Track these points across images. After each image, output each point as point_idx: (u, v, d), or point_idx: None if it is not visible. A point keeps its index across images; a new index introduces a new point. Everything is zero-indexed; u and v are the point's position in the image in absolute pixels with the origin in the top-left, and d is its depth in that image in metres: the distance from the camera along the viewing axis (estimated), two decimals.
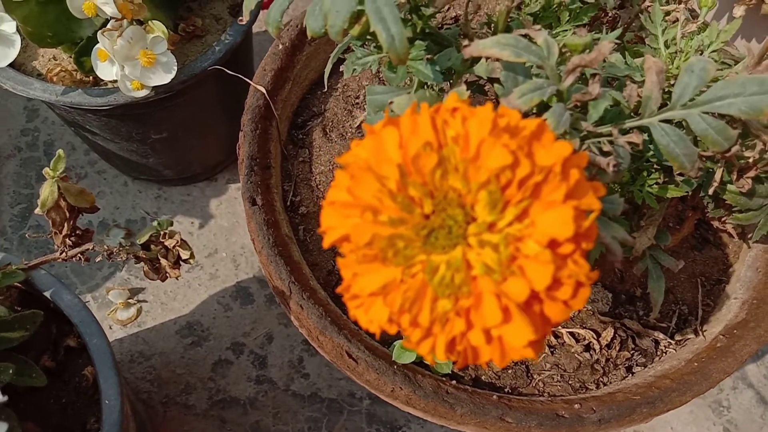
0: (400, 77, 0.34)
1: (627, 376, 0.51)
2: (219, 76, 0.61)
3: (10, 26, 0.54)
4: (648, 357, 0.52)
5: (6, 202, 0.81)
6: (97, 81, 0.62)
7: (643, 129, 0.33)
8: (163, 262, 0.52)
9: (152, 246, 0.52)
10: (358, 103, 0.61)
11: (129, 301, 0.65)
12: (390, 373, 0.46)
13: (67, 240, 0.51)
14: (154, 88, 0.58)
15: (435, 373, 0.49)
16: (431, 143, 0.25)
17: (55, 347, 0.52)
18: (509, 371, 0.51)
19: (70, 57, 0.61)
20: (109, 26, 0.54)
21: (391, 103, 0.35)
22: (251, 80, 0.56)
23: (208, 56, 0.61)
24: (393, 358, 0.48)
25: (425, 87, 0.36)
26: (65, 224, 0.50)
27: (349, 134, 0.59)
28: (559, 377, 0.51)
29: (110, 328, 0.73)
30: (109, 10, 0.52)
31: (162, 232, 0.51)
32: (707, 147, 0.32)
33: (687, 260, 0.55)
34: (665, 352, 0.52)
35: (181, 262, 0.53)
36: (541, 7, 0.40)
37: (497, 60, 0.34)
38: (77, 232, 0.51)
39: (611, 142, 0.32)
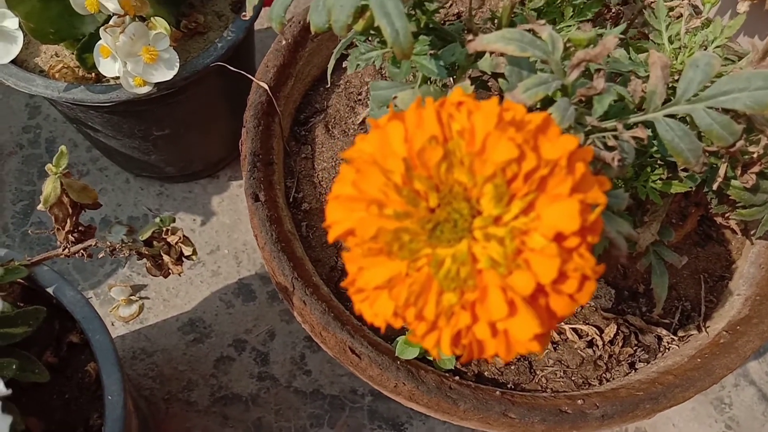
0: (404, 72, 0.34)
1: (630, 372, 0.51)
2: (221, 72, 0.61)
3: (12, 22, 0.54)
4: (651, 353, 0.52)
5: (8, 199, 0.81)
6: (100, 77, 0.61)
7: (647, 124, 0.33)
8: (166, 258, 0.52)
9: (155, 242, 0.52)
10: (360, 100, 0.61)
11: (131, 297, 0.65)
12: (393, 369, 0.46)
13: (69, 236, 0.51)
14: (157, 84, 0.58)
15: (438, 369, 0.49)
16: (437, 137, 0.25)
17: (57, 343, 0.52)
18: (512, 367, 0.51)
19: (73, 53, 0.61)
20: (111, 22, 0.54)
21: (394, 98, 0.35)
22: (253, 77, 0.56)
23: (210, 53, 0.61)
24: (396, 354, 0.48)
25: (429, 82, 0.36)
26: (68, 220, 0.50)
27: (352, 131, 0.59)
28: (562, 373, 0.51)
29: (112, 324, 0.73)
30: (112, 6, 0.52)
31: (164, 229, 0.51)
32: (711, 142, 0.32)
33: (690, 257, 0.55)
34: (668, 348, 0.52)
35: (183, 259, 0.53)
36: (544, 3, 0.40)
37: (501, 55, 0.34)
38: (80, 228, 0.51)
39: (616, 137, 0.32)
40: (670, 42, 0.40)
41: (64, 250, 0.50)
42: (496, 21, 0.39)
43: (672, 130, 0.31)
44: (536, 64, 0.33)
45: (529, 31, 0.31)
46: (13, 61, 0.59)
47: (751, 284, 0.53)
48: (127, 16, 0.54)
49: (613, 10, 0.49)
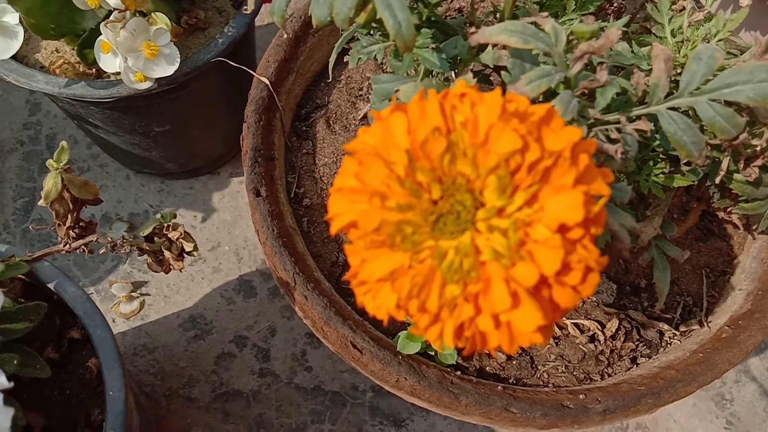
0: (406, 65, 0.34)
1: (632, 367, 0.51)
2: (222, 68, 0.61)
3: (13, 18, 0.54)
4: (653, 348, 0.52)
5: (8, 195, 0.81)
6: (100, 73, 0.61)
7: (650, 118, 0.33)
8: (167, 254, 0.52)
9: (156, 238, 0.52)
10: (361, 95, 0.61)
11: (132, 294, 0.65)
12: (395, 364, 0.46)
13: (70, 232, 0.51)
14: (157, 80, 0.58)
15: (440, 364, 0.49)
16: (440, 128, 0.25)
17: (59, 339, 0.52)
18: (514, 362, 0.51)
19: (73, 49, 0.61)
20: (112, 18, 0.54)
21: (396, 91, 0.35)
22: (254, 72, 0.56)
23: (211, 48, 0.61)
24: (398, 349, 0.48)
25: (431, 76, 0.36)
26: (69, 216, 0.50)
27: (353, 126, 0.59)
28: (563, 368, 0.51)
29: (113, 321, 0.73)
30: (112, 1, 0.52)
31: (165, 224, 0.51)
32: (714, 135, 0.32)
33: (692, 252, 0.55)
34: (670, 343, 0.52)
35: (184, 254, 0.53)
36: None
37: (504, 48, 0.34)
38: (81, 224, 0.51)
39: (619, 130, 0.32)
40: (673, 35, 0.40)
41: (65, 245, 0.50)
42: (498, 15, 0.38)
43: (675, 123, 0.31)
44: (539, 57, 0.33)
45: (531, 23, 0.31)
46: (13, 57, 0.59)
47: (753, 279, 0.53)
48: (128, 12, 0.54)
49: (615, 4, 0.49)
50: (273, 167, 0.53)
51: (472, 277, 0.24)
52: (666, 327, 0.52)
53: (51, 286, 0.51)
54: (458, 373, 0.48)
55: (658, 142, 0.37)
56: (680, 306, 0.54)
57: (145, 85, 0.57)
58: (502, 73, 0.32)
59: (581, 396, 0.46)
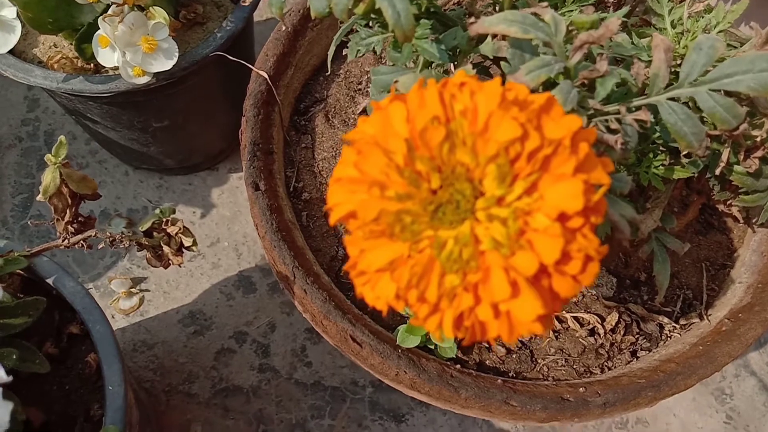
0: (405, 57, 0.34)
1: (632, 361, 0.51)
2: (220, 63, 0.61)
3: (10, 12, 0.54)
4: (653, 341, 0.52)
5: (7, 192, 0.80)
6: (98, 68, 0.61)
7: (650, 109, 0.33)
8: (166, 249, 0.52)
9: (155, 233, 0.51)
10: (360, 90, 0.60)
11: (131, 290, 0.65)
12: (394, 357, 0.46)
13: (69, 227, 0.50)
14: (156, 74, 0.57)
15: (439, 358, 0.49)
16: (439, 117, 0.25)
17: (58, 334, 0.52)
18: (513, 356, 0.51)
19: (71, 44, 0.61)
20: (110, 12, 0.54)
21: (396, 82, 0.34)
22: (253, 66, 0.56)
23: (210, 43, 0.60)
24: (397, 342, 0.48)
25: (430, 67, 0.36)
26: (67, 211, 0.50)
27: (352, 120, 0.59)
28: (563, 362, 0.51)
29: (113, 317, 0.73)
30: None
31: (164, 219, 0.51)
32: (714, 126, 0.32)
33: (692, 245, 0.55)
34: (670, 337, 0.52)
35: (183, 249, 0.52)
36: None
37: (504, 38, 0.34)
38: (79, 219, 0.51)
39: (619, 121, 0.32)
40: (673, 27, 0.40)
41: (63, 240, 0.50)
42: (497, 6, 0.38)
43: (675, 114, 0.31)
44: (538, 47, 0.33)
45: (531, 14, 0.31)
46: (11, 52, 0.59)
47: (752, 272, 0.52)
48: (126, 6, 0.54)
49: None
50: (272, 161, 0.53)
51: (472, 267, 0.24)
52: (666, 320, 0.52)
53: (50, 281, 0.51)
54: (458, 366, 0.48)
55: (658, 134, 0.37)
56: (680, 299, 0.54)
57: (144, 80, 0.57)
58: (502, 63, 0.32)
59: (581, 389, 0.46)
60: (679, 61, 0.37)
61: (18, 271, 0.51)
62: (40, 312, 0.47)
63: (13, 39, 0.56)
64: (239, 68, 0.59)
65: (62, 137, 0.46)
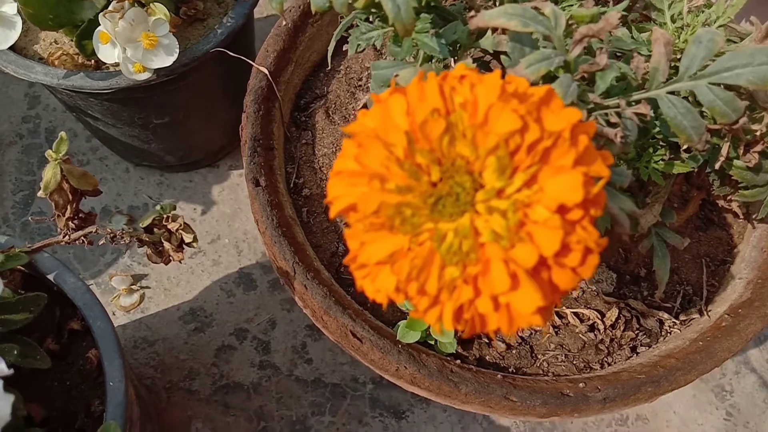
0: (405, 51, 0.34)
1: (631, 356, 0.51)
2: (221, 59, 0.61)
3: (11, 8, 0.54)
4: (653, 337, 0.52)
5: (8, 189, 0.80)
6: (99, 64, 0.61)
7: (650, 103, 0.33)
8: (166, 245, 0.52)
9: (155, 229, 0.51)
10: (360, 86, 0.61)
11: (132, 287, 0.65)
12: (395, 353, 0.46)
13: (70, 223, 0.50)
14: (156, 71, 0.58)
15: (440, 353, 0.49)
16: (439, 109, 0.25)
17: (58, 330, 0.52)
18: (513, 351, 0.51)
19: (72, 40, 0.61)
20: (110, 8, 0.54)
21: (396, 76, 0.34)
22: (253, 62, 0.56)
23: (210, 39, 0.60)
24: (397, 338, 0.48)
25: (430, 62, 0.36)
26: (68, 207, 0.50)
27: (352, 116, 0.59)
28: (563, 357, 0.51)
29: (113, 314, 0.73)
30: None
31: (165, 216, 0.51)
32: (714, 120, 0.32)
33: (692, 241, 0.55)
34: (670, 332, 0.52)
35: (184, 246, 0.52)
36: None
37: (504, 33, 0.34)
38: (80, 215, 0.51)
39: (619, 114, 0.32)
40: (673, 21, 0.40)
41: (64, 237, 0.50)
42: (498, 0, 0.38)
43: (675, 107, 0.31)
44: (538, 42, 0.33)
45: (531, 8, 0.31)
46: (12, 48, 0.59)
47: (752, 268, 0.53)
48: (126, 2, 0.54)
49: None
50: (272, 157, 0.53)
51: (472, 259, 0.24)
52: (666, 316, 0.52)
53: (51, 277, 0.51)
54: (458, 361, 0.48)
55: (658, 129, 0.37)
56: (680, 295, 0.54)
57: (144, 76, 0.57)
58: (502, 57, 0.32)
59: (581, 384, 0.46)
60: (679, 56, 0.37)
61: (19, 267, 0.51)
62: (41, 308, 0.47)
63: (13, 35, 0.56)
64: (240, 64, 0.59)
65: (63, 133, 0.47)
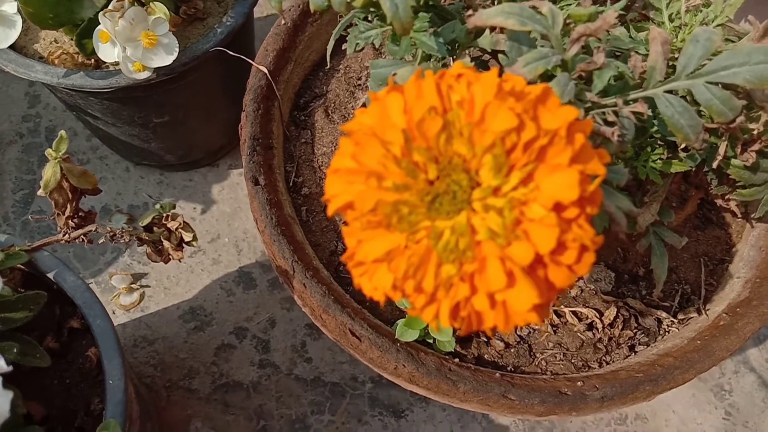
0: (403, 50, 0.34)
1: (630, 355, 0.51)
2: (221, 58, 0.61)
3: (11, 6, 0.54)
4: (651, 336, 0.52)
5: (8, 188, 0.81)
6: (99, 63, 0.61)
7: (648, 102, 0.33)
8: (166, 244, 0.52)
9: (155, 228, 0.52)
10: (360, 85, 0.61)
11: (132, 286, 0.65)
12: (393, 351, 0.46)
13: (69, 221, 0.51)
14: (156, 70, 0.58)
15: (438, 352, 0.49)
16: (436, 108, 0.25)
17: (58, 328, 0.53)
18: (512, 350, 0.51)
19: (72, 39, 0.61)
20: (110, 7, 0.54)
21: (394, 74, 0.35)
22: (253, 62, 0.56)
23: (210, 38, 0.61)
24: (396, 336, 0.48)
25: (429, 61, 0.36)
26: (68, 206, 0.50)
27: (352, 115, 0.59)
28: (561, 356, 0.51)
29: (113, 313, 0.73)
30: None
31: (164, 215, 0.51)
32: (711, 119, 0.32)
33: (690, 240, 0.55)
34: (668, 331, 0.52)
35: (183, 245, 0.53)
36: None
37: (502, 32, 0.34)
38: (80, 213, 0.51)
39: (616, 113, 0.32)
40: (671, 21, 0.40)
41: (64, 235, 0.50)
42: (496, 0, 0.38)
43: (672, 106, 0.31)
44: (536, 41, 0.33)
45: (529, 7, 0.31)
46: (12, 47, 0.59)
47: (751, 267, 0.53)
48: (126, 1, 0.54)
49: None
50: (271, 156, 0.53)
51: (468, 257, 0.24)
52: (664, 315, 0.52)
53: (50, 275, 0.51)
54: (456, 360, 0.48)
55: (656, 128, 0.37)
56: (678, 294, 0.54)
57: (144, 75, 0.57)
58: (500, 56, 0.32)
59: (579, 383, 0.46)
60: (676, 55, 0.38)
61: (19, 265, 0.51)
62: (41, 306, 0.47)
63: (14, 34, 0.56)
64: (240, 64, 0.59)
65: (63, 132, 0.47)
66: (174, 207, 0.51)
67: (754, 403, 0.74)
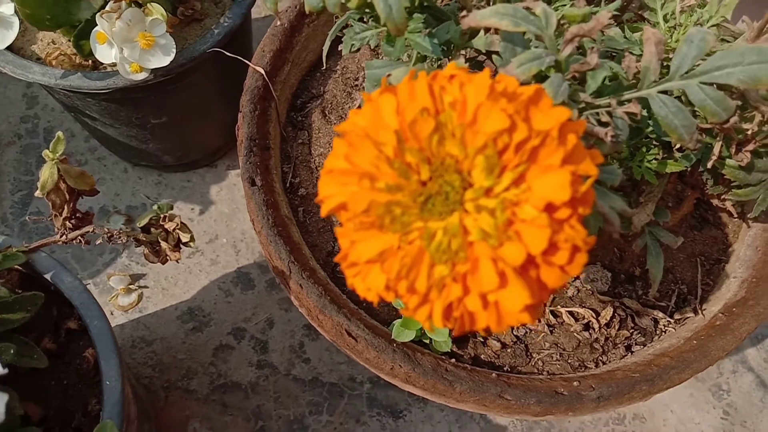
0: (398, 50, 0.34)
1: (626, 355, 0.51)
2: (218, 59, 0.61)
3: (8, 8, 0.54)
4: (647, 336, 0.52)
5: (6, 189, 0.81)
6: (97, 64, 0.61)
7: (642, 103, 0.33)
8: (163, 245, 0.52)
9: (152, 229, 0.52)
10: (357, 85, 0.61)
11: (130, 286, 0.65)
12: (389, 351, 0.46)
13: (67, 222, 0.51)
14: (153, 71, 0.58)
15: (434, 352, 0.49)
16: (428, 109, 0.25)
17: (56, 329, 0.53)
18: (508, 350, 0.51)
19: (69, 40, 0.61)
20: (107, 8, 0.54)
21: (388, 75, 0.35)
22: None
23: (207, 39, 0.61)
24: (392, 337, 0.48)
25: (424, 62, 0.36)
26: (65, 207, 0.50)
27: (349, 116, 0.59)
28: (558, 356, 0.51)
29: (111, 314, 0.74)
30: None
31: (162, 216, 0.51)
32: (706, 119, 0.32)
33: (686, 240, 0.55)
34: (664, 331, 0.52)
35: (181, 245, 0.53)
36: None
37: (496, 32, 0.34)
38: (77, 214, 0.51)
39: (610, 114, 0.32)
40: (665, 21, 0.40)
41: (61, 236, 0.50)
42: (491, 1, 0.39)
43: (666, 107, 0.31)
44: (530, 42, 0.33)
45: (523, 8, 0.31)
46: (9, 48, 0.59)
47: (747, 267, 0.53)
48: (124, 2, 0.54)
49: None
50: (268, 157, 0.53)
51: (461, 258, 0.24)
52: (660, 315, 0.52)
53: (48, 276, 0.51)
54: (453, 360, 0.48)
55: (650, 129, 0.37)
56: (675, 294, 0.54)
57: (141, 76, 0.57)
58: (494, 57, 0.32)
59: (575, 383, 0.46)
60: (671, 55, 0.38)
61: (16, 266, 0.51)
62: (38, 307, 0.47)
63: (11, 35, 0.56)
64: (238, 65, 0.59)
65: (60, 133, 0.47)
66: (171, 208, 0.51)
67: (752, 403, 0.74)
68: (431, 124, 0.25)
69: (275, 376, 0.72)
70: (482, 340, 0.52)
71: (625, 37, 0.38)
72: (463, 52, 0.37)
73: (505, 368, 0.50)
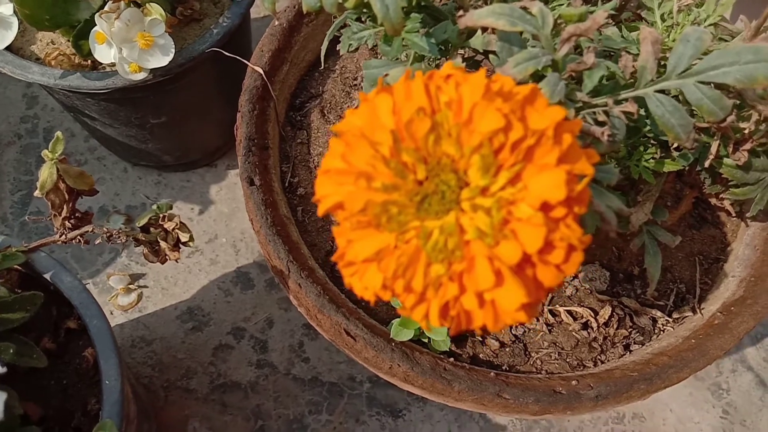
0: (395, 50, 0.34)
1: (624, 354, 0.51)
2: (217, 59, 0.61)
3: (7, 8, 0.55)
4: (646, 335, 0.52)
5: (6, 189, 0.81)
6: (96, 64, 0.62)
7: (639, 102, 0.33)
8: (163, 244, 0.52)
9: (151, 229, 0.52)
10: (355, 85, 0.61)
11: (129, 286, 0.65)
12: (388, 351, 0.46)
13: (66, 222, 0.51)
14: (152, 71, 0.58)
15: (433, 351, 0.49)
16: (424, 108, 0.25)
17: (55, 329, 0.53)
18: (507, 349, 0.51)
19: (68, 40, 0.61)
20: (106, 8, 0.54)
21: (386, 75, 0.35)
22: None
23: (206, 39, 0.61)
24: (391, 336, 0.48)
25: (422, 61, 0.36)
26: (64, 206, 0.50)
27: None
28: (556, 355, 0.51)
29: (111, 313, 0.74)
30: None
31: (161, 215, 0.52)
32: (702, 118, 0.32)
33: (685, 239, 0.55)
34: (663, 330, 0.52)
35: (180, 245, 0.53)
36: None
37: (493, 32, 0.34)
38: (77, 214, 0.52)
39: (606, 113, 0.32)
40: (663, 20, 0.40)
41: (61, 236, 0.50)
42: (488, 0, 0.39)
43: (662, 106, 0.31)
44: (527, 41, 0.33)
45: (520, 8, 0.31)
46: (9, 49, 0.60)
47: (746, 266, 0.53)
48: (122, 2, 0.54)
49: None
50: (267, 156, 0.53)
51: (457, 256, 0.24)
52: (659, 314, 0.53)
53: (47, 276, 0.51)
54: (451, 359, 0.49)
55: (648, 128, 0.37)
56: (673, 293, 0.54)
57: (140, 76, 0.57)
58: (491, 56, 0.32)
59: (574, 382, 0.47)
60: (668, 55, 0.38)
61: (16, 266, 0.51)
62: (38, 307, 0.48)
63: (10, 35, 0.56)
64: (237, 65, 0.59)
65: (59, 133, 0.47)
66: (171, 207, 0.51)
67: (751, 402, 0.74)
68: (427, 123, 0.25)
69: (275, 376, 0.72)
70: (481, 339, 0.52)
71: (622, 37, 0.38)
72: (460, 51, 0.37)
73: (503, 367, 0.50)
